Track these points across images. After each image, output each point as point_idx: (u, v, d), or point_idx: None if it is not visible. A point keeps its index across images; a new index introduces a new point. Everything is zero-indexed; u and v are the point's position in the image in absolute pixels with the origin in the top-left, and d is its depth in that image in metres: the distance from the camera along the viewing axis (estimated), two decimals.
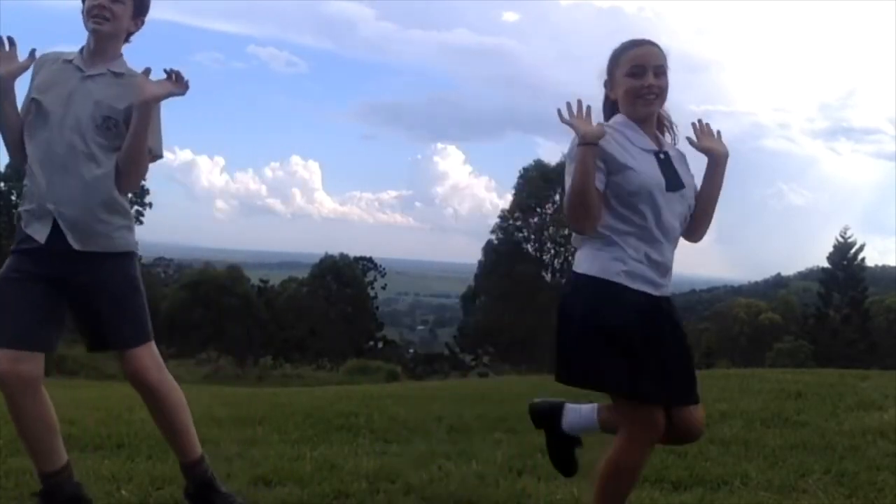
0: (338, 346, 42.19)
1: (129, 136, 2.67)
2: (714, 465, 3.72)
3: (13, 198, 42.67)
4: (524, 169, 48.02)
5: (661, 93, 2.49)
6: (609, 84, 2.56)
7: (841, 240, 43.77)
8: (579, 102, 2.41)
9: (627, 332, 2.35)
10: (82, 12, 2.71)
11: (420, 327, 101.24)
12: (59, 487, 2.74)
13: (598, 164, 2.36)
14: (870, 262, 47.08)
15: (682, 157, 2.59)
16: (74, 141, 2.63)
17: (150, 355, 2.77)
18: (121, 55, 2.78)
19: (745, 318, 50.57)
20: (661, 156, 2.49)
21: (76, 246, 2.64)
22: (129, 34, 2.80)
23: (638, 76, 2.46)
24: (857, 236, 44.80)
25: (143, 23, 2.79)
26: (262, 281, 47.24)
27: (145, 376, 2.73)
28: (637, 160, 2.43)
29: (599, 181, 2.37)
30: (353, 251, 51.81)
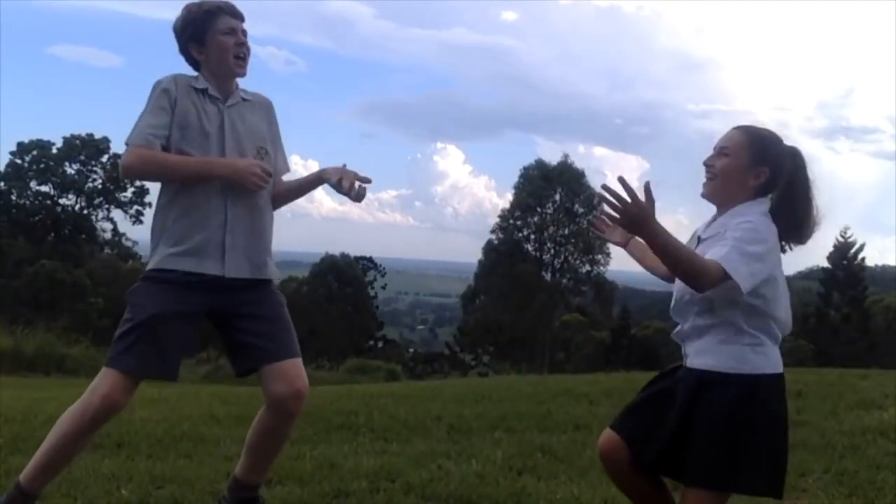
0: (338, 345, 42.18)
1: (298, 191, 2.90)
2: None
3: (13, 197, 42.75)
4: (525, 168, 48.09)
5: (715, 174, 2.34)
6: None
7: (841, 239, 43.75)
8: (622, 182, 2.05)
9: None
10: (186, 45, 2.73)
11: (420, 327, 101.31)
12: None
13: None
14: (870, 262, 47.08)
15: (722, 232, 2.26)
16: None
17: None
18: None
19: None
20: (697, 240, 2.39)
21: (247, 274, 2.68)
22: None
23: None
24: (857, 236, 44.80)
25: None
26: None
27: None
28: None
29: None
30: (353, 250, 51.90)
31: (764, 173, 2.31)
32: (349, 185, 2.70)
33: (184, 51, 2.75)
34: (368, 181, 2.73)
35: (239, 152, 2.68)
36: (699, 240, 2.37)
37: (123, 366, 2.54)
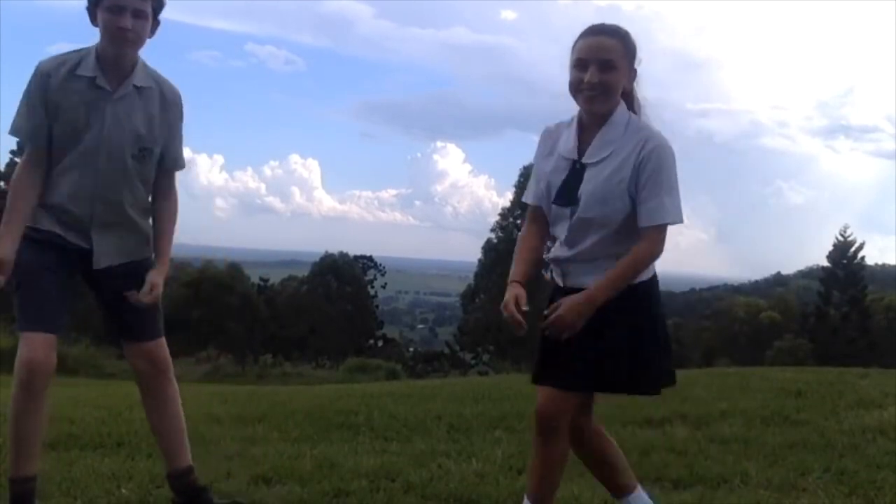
0: (338, 344, 42.19)
1: (163, 250, 2.80)
2: (714, 464, 3.72)
3: None
4: (525, 167, 47.91)
5: (604, 90, 2.31)
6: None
7: (841, 238, 43.82)
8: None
9: None
10: (90, 12, 2.57)
11: (420, 326, 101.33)
12: (27, 499, 2.63)
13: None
14: (869, 261, 47.18)
15: (633, 162, 2.31)
16: (116, 175, 2.65)
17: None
18: (138, 61, 2.66)
19: (745, 317, 50.55)
20: (577, 166, 2.38)
21: (102, 264, 2.70)
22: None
23: (580, 69, 2.32)
24: (857, 235, 44.84)
25: (158, 24, 2.67)
26: (261, 279, 47.24)
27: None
28: (549, 168, 2.45)
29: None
30: (353, 250, 52.01)
31: (634, 73, 2.40)
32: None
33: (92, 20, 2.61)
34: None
35: (115, 153, 2.62)
36: (580, 165, 2.38)
37: (25, 324, 2.58)
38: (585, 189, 2.35)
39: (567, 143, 2.43)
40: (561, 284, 2.47)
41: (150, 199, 2.82)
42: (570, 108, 2.51)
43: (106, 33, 2.55)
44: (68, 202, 2.64)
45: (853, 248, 43.34)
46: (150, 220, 2.83)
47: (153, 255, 2.81)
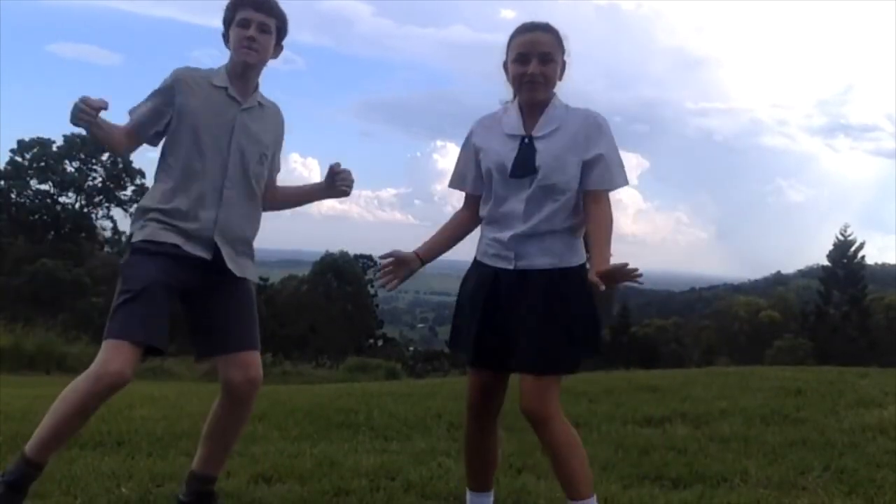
0: (338, 343, 42.17)
1: (304, 196, 3.02)
2: (714, 462, 3.73)
3: (13, 196, 42.73)
4: None
5: (545, 80, 2.51)
6: (505, 68, 2.61)
7: (841, 237, 43.82)
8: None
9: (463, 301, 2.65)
10: (225, 36, 2.78)
11: (420, 325, 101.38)
12: (28, 483, 2.64)
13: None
14: (869, 260, 47.20)
15: (578, 132, 2.51)
16: (239, 176, 2.75)
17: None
18: (259, 84, 2.85)
19: (745, 316, 50.57)
20: (526, 140, 2.53)
21: (236, 272, 2.75)
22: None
23: (522, 63, 2.51)
24: (857, 234, 44.85)
25: (281, 49, 2.87)
26: (261, 278, 47.09)
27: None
28: (493, 143, 2.58)
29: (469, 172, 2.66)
30: (353, 249, 52.06)
31: (564, 64, 2.58)
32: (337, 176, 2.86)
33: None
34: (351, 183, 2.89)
35: (241, 154, 2.75)
36: (529, 139, 2.52)
37: (132, 336, 2.56)
38: (542, 159, 2.51)
39: (510, 123, 2.59)
40: (511, 267, 2.53)
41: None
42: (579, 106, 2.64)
43: (234, 46, 2.75)
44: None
45: (853, 248, 43.34)
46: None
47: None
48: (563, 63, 2.58)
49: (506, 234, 2.54)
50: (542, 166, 2.48)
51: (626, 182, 2.56)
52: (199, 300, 2.76)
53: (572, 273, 2.51)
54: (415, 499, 3.16)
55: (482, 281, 2.59)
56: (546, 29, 2.54)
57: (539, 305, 2.48)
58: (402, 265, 2.62)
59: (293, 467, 3.55)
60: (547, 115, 2.55)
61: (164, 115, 2.73)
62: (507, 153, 2.54)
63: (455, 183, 2.73)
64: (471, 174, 2.67)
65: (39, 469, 2.64)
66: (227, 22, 2.77)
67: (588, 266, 2.50)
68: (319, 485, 3.29)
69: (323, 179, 2.89)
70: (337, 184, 2.86)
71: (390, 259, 2.61)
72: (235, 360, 2.73)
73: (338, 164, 2.82)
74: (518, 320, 2.50)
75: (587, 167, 2.50)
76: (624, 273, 2.31)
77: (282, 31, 2.83)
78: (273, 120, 2.90)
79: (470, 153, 2.67)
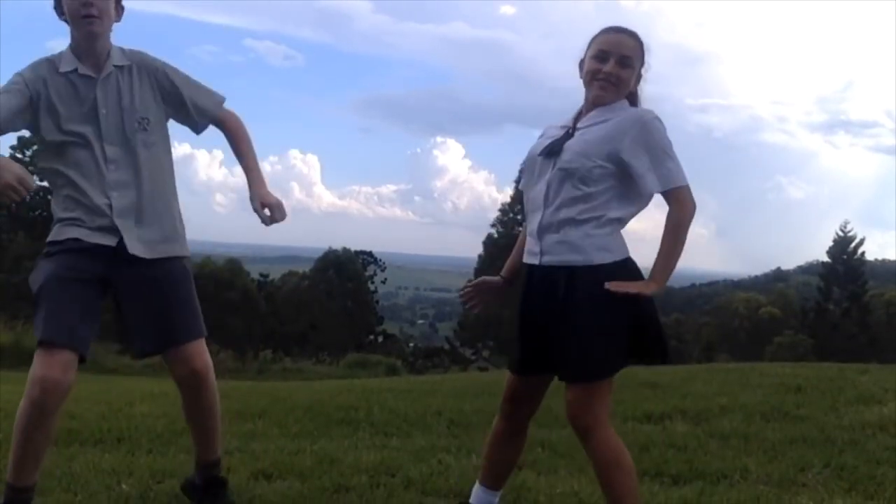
0: (338, 340, 42.17)
1: (245, 170, 2.78)
2: (713, 459, 3.73)
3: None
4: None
5: (617, 82, 2.47)
6: (581, 65, 2.57)
7: (841, 234, 43.79)
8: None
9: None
10: (56, 9, 2.59)
11: (420, 321, 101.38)
12: None
13: None
14: (870, 256, 47.20)
15: (623, 127, 2.42)
16: (121, 154, 2.62)
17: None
18: (111, 45, 2.66)
19: (745, 313, 50.61)
20: (570, 132, 2.51)
21: (144, 254, 2.65)
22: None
23: (600, 60, 2.48)
24: (857, 230, 44.83)
25: (123, 10, 2.68)
26: (261, 275, 47.20)
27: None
28: (542, 138, 2.58)
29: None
30: (353, 245, 51.89)
31: (640, 77, 2.55)
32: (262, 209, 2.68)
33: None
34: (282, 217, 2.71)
35: (115, 129, 2.61)
36: (573, 130, 2.49)
37: (42, 339, 2.52)
38: (571, 143, 2.47)
39: (568, 119, 2.58)
40: (537, 263, 2.49)
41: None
42: (569, 104, 2.65)
43: (71, 18, 2.57)
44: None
45: (853, 244, 43.30)
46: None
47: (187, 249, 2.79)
48: (640, 75, 2.55)
49: (534, 225, 2.50)
50: (566, 149, 2.45)
51: (686, 181, 2.42)
52: (124, 297, 2.68)
53: (602, 271, 2.38)
54: (415, 495, 3.17)
55: (523, 282, 2.59)
56: (632, 35, 2.51)
57: (567, 307, 2.39)
58: (487, 289, 2.67)
59: (293, 464, 3.55)
60: (600, 112, 2.50)
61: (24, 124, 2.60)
62: (549, 140, 2.53)
63: (520, 183, 2.71)
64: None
65: (27, 491, 2.58)
66: None
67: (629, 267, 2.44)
68: (319, 481, 3.29)
69: (266, 199, 2.69)
70: (263, 212, 2.68)
71: (471, 286, 2.66)
72: (174, 356, 2.67)
73: (280, 206, 2.69)
74: (552, 323, 2.42)
75: (637, 170, 2.39)
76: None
77: None
78: (142, 72, 2.67)
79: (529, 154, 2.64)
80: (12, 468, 2.57)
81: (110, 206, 2.60)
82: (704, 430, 4.44)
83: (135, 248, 2.63)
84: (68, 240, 2.61)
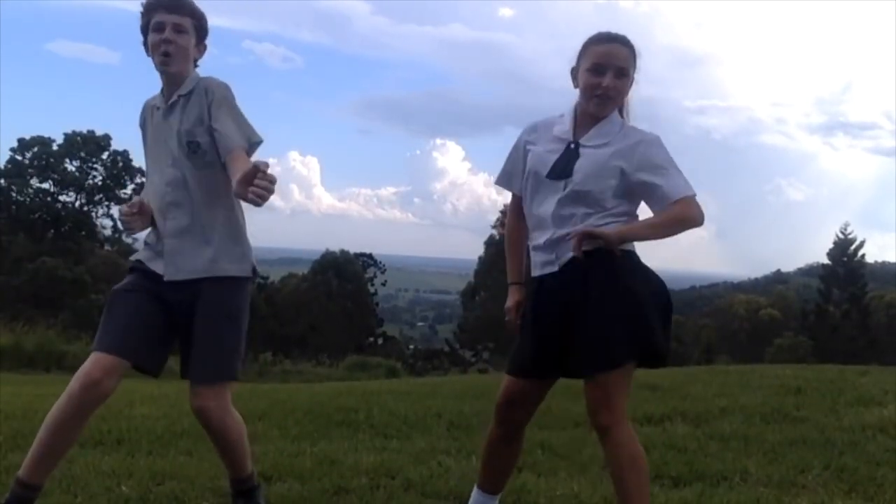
0: (338, 342, 42.15)
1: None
2: (713, 461, 3.73)
3: (13, 194, 42.72)
4: None
5: (616, 96, 2.48)
6: (574, 73, 2.55)
7: (841, 236, 43.75)
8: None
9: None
10: (144, 44, 2.69)
11: (420, 323, 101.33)
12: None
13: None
14: (870, 258, 47.12)
15: (629, 148, 2.45)
16: (178, 177, 2.66)
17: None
18: (189, 75, 2.71)
19: (745, 315, 50.60)
20: (572, 146, 2.49)
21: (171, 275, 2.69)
22: (195, 62, 2.74)
23: (597, 74, 2.46)
24: (857, 232, 44.84)
25: (205, 48, 2.76)
26: (261, 277, 47.14)
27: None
28: (541, 144, 2.56)
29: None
30: (353, 247, 51.98)
31: (632, 80, 2.53)
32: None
33: None
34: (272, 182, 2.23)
35: (171, 155, 2.67)
36: (576, 145, 2.49)
37: (94, 344, 2.60)
38: (581, 164, 2.46)
39: (563, 127, 2.55)
40: (556, 269, 2.48)
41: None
42: (568, 105, 2.61)
43: (152, 54, 2.67)
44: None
45: (853, 246, 43.27)
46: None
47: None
48: (632, 79, 2.54)
49: (541, 239, 2.50)
50: (578, 171, 2.44)
51: (694, 191, 2.45)
52: (175, 316, 2.72)
53: (620, 254, 2.38)
54: (415, 497, 3.17)
55: (529, 293, 2.59)
56: (624, 42, 2.49)
57: (588, 291, 2.38)
58: (520, 304, 2.65)
59: (293, 466, 3.55)
60: (600, 128, 2.50)
61: None
62: (550, 155, 2.51)
63: (502, 181, 2.70)
64: (518, 174, 2.64)
65: (35, 490, 2.57)
66: (144, 29, 2.68)
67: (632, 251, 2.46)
68: (319, 483, 3.29)
69: (240, 175, 2.27)
70: (251, 187, 2.20)
71: (514, 315, 2.67)
72: (191, 389, 2.70)
73: (265, 165, 2.21)
74: (574, 312, 2.40)
75: (645, 187, 2.44)
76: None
77: (200, 29, 2.71)
78: (198, 99, 2.67)
79: (519, 152, 2.63)
80: (28, 463, 2.56)
81: (166, 232, 2.70)
82: (704, 431, 4.44)
83: (171, 273, 2.68)
84: (138, 260, 2.77)
